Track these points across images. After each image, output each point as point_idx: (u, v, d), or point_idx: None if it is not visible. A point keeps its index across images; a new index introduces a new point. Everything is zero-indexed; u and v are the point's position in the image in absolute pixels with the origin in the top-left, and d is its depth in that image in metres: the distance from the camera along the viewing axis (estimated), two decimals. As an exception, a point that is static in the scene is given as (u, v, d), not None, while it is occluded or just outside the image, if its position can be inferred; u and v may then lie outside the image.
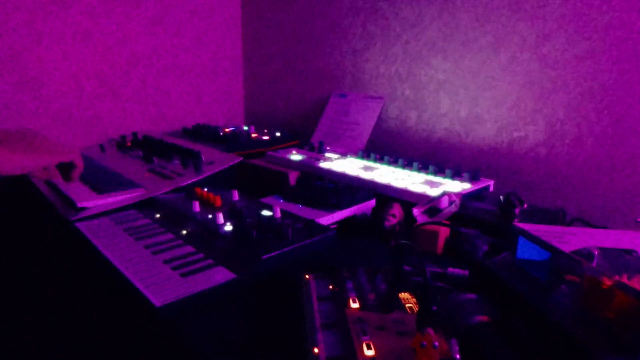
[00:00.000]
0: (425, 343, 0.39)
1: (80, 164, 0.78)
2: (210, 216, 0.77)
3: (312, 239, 0.68)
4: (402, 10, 1.23)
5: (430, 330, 0.40)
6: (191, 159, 1.06)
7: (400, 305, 0.50)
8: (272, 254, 0.62)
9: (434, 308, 0.46)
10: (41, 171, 0.75)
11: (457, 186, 0.91)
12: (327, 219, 0.80)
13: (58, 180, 0.95)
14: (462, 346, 0.39)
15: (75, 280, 0.87)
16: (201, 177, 0.98)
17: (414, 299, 0.51)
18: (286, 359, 0.47)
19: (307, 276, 0.57)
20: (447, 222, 0.75)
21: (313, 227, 0.72)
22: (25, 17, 1.26)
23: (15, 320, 0.90)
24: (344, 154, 1.21)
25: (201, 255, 0.66)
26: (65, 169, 0.78)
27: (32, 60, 1.30)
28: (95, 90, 1.44)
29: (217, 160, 1.06)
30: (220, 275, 0.59)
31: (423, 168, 1.03)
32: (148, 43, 1.52)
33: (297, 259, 0.65)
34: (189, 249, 0.69)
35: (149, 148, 1.24)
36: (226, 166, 1.03)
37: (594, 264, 0.50)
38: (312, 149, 1.26)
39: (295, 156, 1.17)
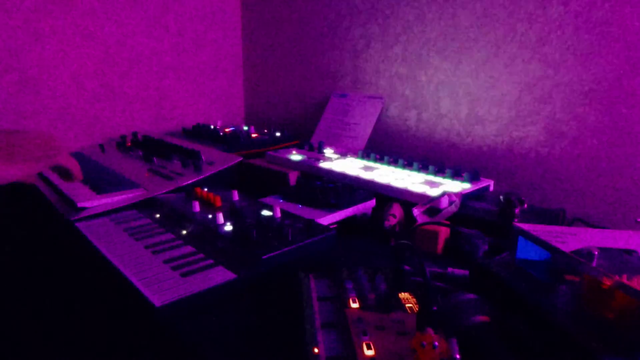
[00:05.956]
0: (425, 343, 0.39)
1: (71, 165, 0.73)
2: (210, 216, 0.77)
3: (312, 239, 0.68)
4: (402, 10, 1.23)
5: (430, 330, 0.40)
6: (191, 159, 1.06)
7: (400, 305, 0.50)
8: (272, 254, 0.62)
9: (434, 308, 0.46)
10: (31, 178, 0.72)
11: (457, 186, 0.91)
12: (327, 219, 0.80)
13: (58, 180, 0.95)
14: (462, 346, 0.39)
15: (75, 280, 0.87)
16: (201, 177, 0.98)
17: (414, 299, 0.51)
18: (286, 359, 0.47)
19: (307, 276, 0.57)
20: (447, 222, 0.75)
21: (313, 227, 0.72)
22: (25, 17, 1.26)
23: (14, 320, 0.90)
24: (343, 154, 1.21)
25: (201, 255, 0.66)
26: (62, 171, 0.77)
27: (32, 60, 1.30)
28: (95, 90, 1.44)
29: (217, 160, 1.06)
30: (220, 275, 0.59)
31: (423, 168, 1.03)
32: (148, 43, 1.52)
33: (297, 259, 0.65)
34: (189, 249, 0.69)
35: (149, 148, 1.24)
36: (226, 166, 1.03)
37: (594, 264, 0.50)
38: (312, 149, 1.26)
39: (295, 156, 1.17)
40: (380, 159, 1.12)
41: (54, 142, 0.71)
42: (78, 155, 1.27)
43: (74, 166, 0.74)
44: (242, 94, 1.85)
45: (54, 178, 0.98)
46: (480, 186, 0.93)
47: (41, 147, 0.68)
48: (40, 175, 1.05)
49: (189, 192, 0.90)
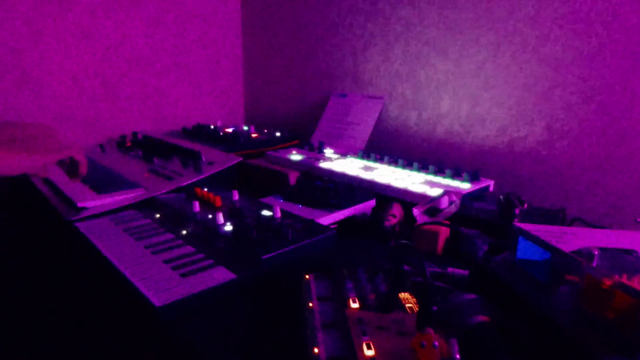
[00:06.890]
0: (425, 343, 0.39)
1: (81, 159, 0.77)
2: (210, 216, 0.77)
3: (312, 239, 0.68)
4: (402, 10, 1.23)
5: (430, 330, 0.40)
6: (191, 159, 1.06)
7: (400, 305, 0.50)
8: (272, 254, 0.62)
9: (434, 308, 0.46)
10: (40, 170, 0.75)
11: (457, 186, 0.91)
12: (327, 219, 0.80)
13: (58, 179, 0.95)
14: (462, 346, 0.39)
15: (75, 280, 0.87)
16: (201, 177, 0.98)
17: (414, 299, 0.51)
18: (286, 359, 0.47)
19: (307, 276, 0.57)
20: (447, 222, 0.75)
21: (313, 227, 0.72)
22: (25, 17, 1.26)
23: (15, 320, 0.90)
24: (344, 154, 1.21)
25: (201, 255, 0.66)
26: (69, 166, 0.78)
27: (32, 60, 1.30)
28: (95, 90, 1.44)
29: (217, 160, 1.06)
30: (220, 275, 0.59)
31: (423, 168, 1.03)
32: (148, 43, 1.52)
33: (297, 259, 0.65)
34: (189, 249, 0.69)
35: (149, 148, 1.24)
36: (226, 166, 1.03)
37: (594, 264, 0.50)
38: (312, 149, 1.26)
39: (295, 156, 1.17)
40: (380, 159, 1.12)
41: (59, 137, 0.75)
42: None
43: (83, 162, 0.77)
44: (242, 94, 1.85)
45: (55, 178, 0.97)
46: (480, 186, 0.93)
47: (54, 141, 0.72)
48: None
49: (189, 192, 0.90)
